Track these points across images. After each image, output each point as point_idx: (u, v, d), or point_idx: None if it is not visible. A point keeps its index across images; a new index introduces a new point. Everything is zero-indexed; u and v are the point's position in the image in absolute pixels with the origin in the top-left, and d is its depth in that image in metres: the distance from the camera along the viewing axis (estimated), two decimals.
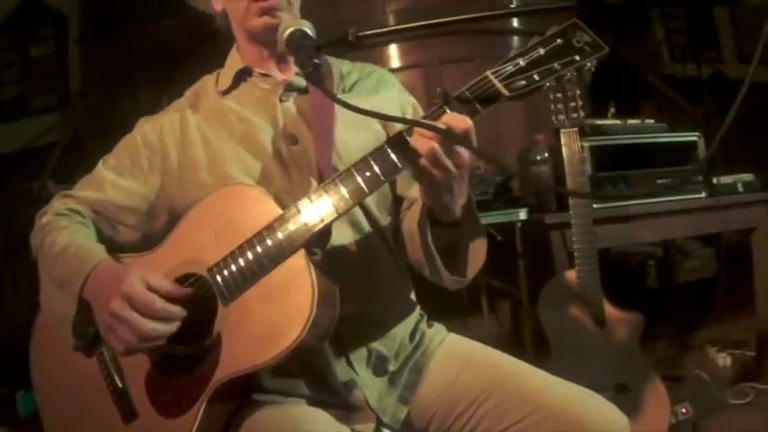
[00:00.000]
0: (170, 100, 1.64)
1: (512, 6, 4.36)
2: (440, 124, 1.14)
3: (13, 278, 5.67)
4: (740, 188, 3.15)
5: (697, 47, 7.48)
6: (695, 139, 3.15)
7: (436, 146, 1.14)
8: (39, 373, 1.53)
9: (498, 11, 1.25)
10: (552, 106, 2.46)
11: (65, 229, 1.44)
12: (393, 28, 1.32)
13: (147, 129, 1.55)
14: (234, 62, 1.58)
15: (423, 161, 1.16)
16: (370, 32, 1.18)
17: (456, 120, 1.14)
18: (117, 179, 1.52)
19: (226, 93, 1.55)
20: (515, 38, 4.41)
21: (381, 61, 4.32)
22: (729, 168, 3.24)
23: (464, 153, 1.18)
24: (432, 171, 1.17)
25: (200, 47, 5.86)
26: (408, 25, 1.24)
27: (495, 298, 3.59)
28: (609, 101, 3.54)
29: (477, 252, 1.40)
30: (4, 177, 6.22)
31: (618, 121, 3.15)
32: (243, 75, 1.55)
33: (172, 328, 1.25)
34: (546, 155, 2.91)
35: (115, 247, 1.45)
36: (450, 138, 1.13)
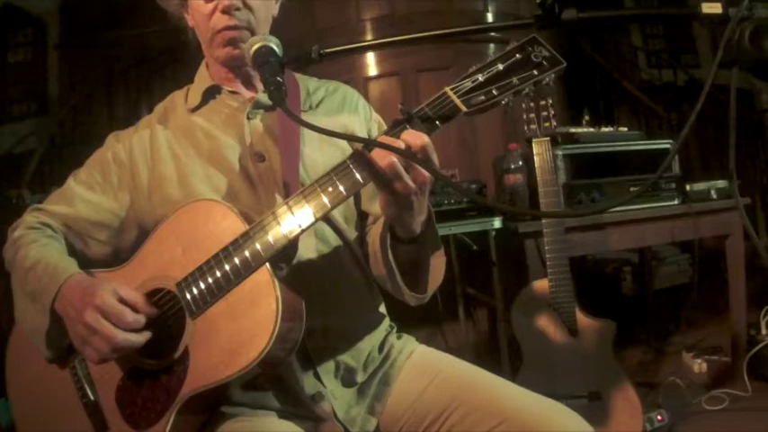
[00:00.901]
0: (148, 108, 1.65)
1: (487, 17, 4.42)
2: (399, 142, 1.15)
3: None
4: (714, 195, 3.16)
5: (674, 52, 7.56)
6: (668, 146, 3.16)
7: (395, 160, 1.16)
8: (14, 386, 1.54)
9: (471, 26, 1.25)
10: (525, 116, 2.49)
11: (35, 243, 1.45)
12: (358, 45, 1.29)
13: (117, 145, 1.56)
14: (203, 79, 1.59)
15: (383, 176, 1.18)
16: (332, 50, 1.19)
17: (414, 137, 1.17)
18: (87, 194, 1.52)
19: (195, 110, 1.56)
20: (491, 45, 4.45)
21: (358, 69, 4.35)
22: (707, 174, 3.27)
23: (423, 170, 1.19)
24: (392, 185, 1.19)
25: (179, 56, 5.88)
26: (375, 42, 1.25)
27: (471, 305, 3.60)
28: (584, 107, 3.59)
29: (437, 269, 1.42)
30: None
31: (592, 129, 3.18)
32: (212, 92, 1.57)
33: (143, 338, 1.27)
34: (520, 163, 2.94)
35: (86, 261, 1.47)
36: (407, 155, 1.15)
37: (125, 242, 1.53)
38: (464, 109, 1.22)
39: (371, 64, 4.38)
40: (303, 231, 1.23)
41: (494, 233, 2.94)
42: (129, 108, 6.58)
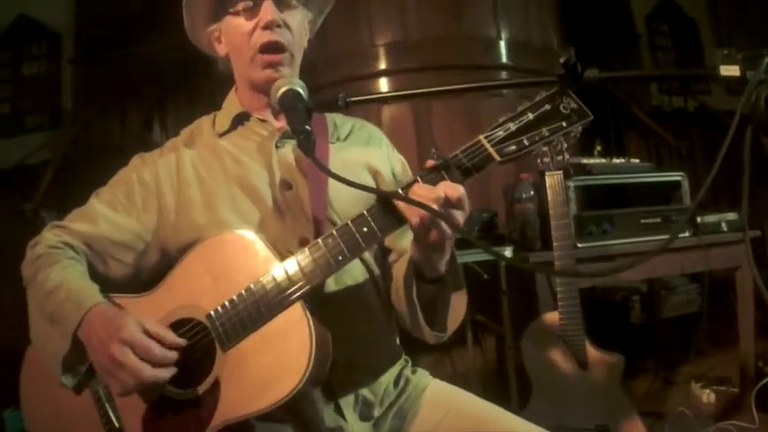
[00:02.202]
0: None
1: (500, 44, 4.45)
2: (439, 191, 1.19)
3: (0, 298, 5.65)
4: (724, 227, 3.19)
5: (685, 80, 7.60)
6: (679, 179, 3.20)
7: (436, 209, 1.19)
8: (29, 407, 1.54)
9: (486, 83, 1.29)
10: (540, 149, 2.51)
11: (57, 264, 1.44)
12: (384, 95, 1.36)
13: (143, 166, 1.57)
14: (232, 105, 1.62)
15: (418, 221, 1.22)
16: (359, 98, 1.23)
17: (452, 189, 1.20)
18: (110, 213, 1.52)
19: (223, 135, 1.59)
20: (503, 73, 4.50)
21: (369, 94, 4.36)
22: (715, 206, 3.29)
23: (459, 217, 1.22)
24: (429, 233, 1.23)
25: (193, 72, 5.93)
26: (402, 92, 1.28)
27: (479, 332, 3.62)
28: (595, 136, 3.62)
29: (458, 307, 1.45)
30: None
31: (603, 160, 3.21)
32: (241, 119, 1.59)
33: (169, 373, 1.28)
34: (531, 193, 2.97)
35: (106, 282, 1.47)
36: (435, 213, 1.18)
37: (147, 264, 1.53)
38: (498, 158, 1.26)
39: (383, 89, 4.39)
40: (337, 270, 1.28)
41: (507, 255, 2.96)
42: (141, 124, 6.62)
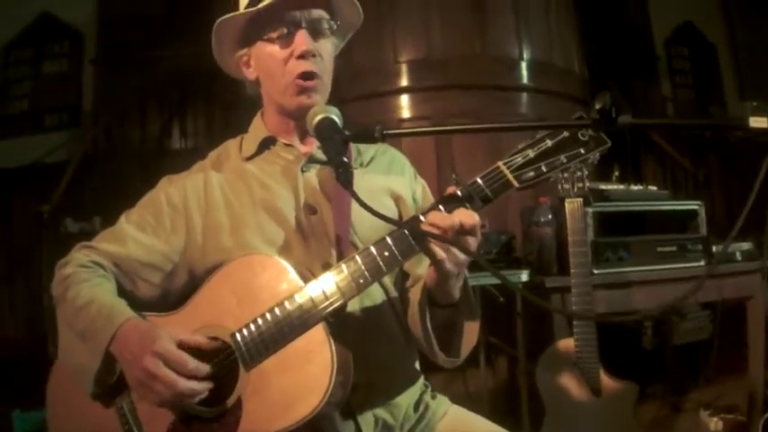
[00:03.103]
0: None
1: (521, 64, 4.47)
2: (455, 219, 1.23)
3: (11, 296, 5.70)
4: (738, 257, 3.19)
5: (702, 102, 7.62)
6: (696, 208, 3.20)
7: (449, 236, 1.23)
8: (55, 416, 1.57)
9: (532, 123, 1.33)
10: (559, 175, 2.53)
11: (87, 282, 1.47)
12: (421, 129, 1.38)
13: (171, 188, 1.60)
14: (258, 130, 1.65)
15: (436, 248, 1.26)
16: (394, 132, 1.25)
17: (467, 217, 1.24)
18: (139, 235, 1.55)
19: (249, 159, 1.62)
20: (524, 94, 4.51)
21: (392, 111, 4.41)
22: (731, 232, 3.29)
23: (472, 243, 1.26)
24: (444, 257, 1.27)
25: (214, 79, 5.98)
26: (439, 129, 1.31)
27: (492, 353, 3.64)
28: (613, 160, 3.63)
29: (471, 332, 1.48)
30: (9, 192, 6.23)
31: (621, 186, 3.23)
32: (267, 143, 1.63)
33: (205, 387, 1.32)
34: (549, 216, 2.99)
35: (134, 302, 1.50)
36: (458, 235, 1.24)
37: (174, 285, 1.56)
38: (516, 185, 1.29)
39: (405, 106, 4.44)
40: (359, 293, 1.32)
41: (520, 286, 2.98)
42: (161, 129, 6.66)
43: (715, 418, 3.46)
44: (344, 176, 1.24)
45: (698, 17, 7.92)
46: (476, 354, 3.51)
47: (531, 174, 1.30)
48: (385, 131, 1.24)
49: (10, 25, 6.91)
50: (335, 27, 1.60)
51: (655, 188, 3.32)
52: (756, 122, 1.02)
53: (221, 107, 6.25)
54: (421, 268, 1.56)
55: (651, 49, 7.86)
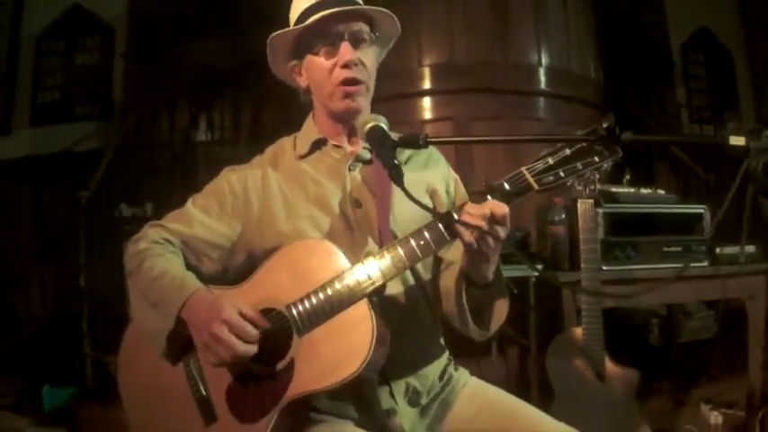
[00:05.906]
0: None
1: (540, 71, 4.65)
2: (486, 209, 1.44)
3: (42, 277, 5.89)
4: (742, 259, 3.35)
5: (717, 108, 7.67)
6: (701, 211, 3.37)
7: (483, 224, 1.44)
8: (127, 378, 1.79)
9: (546, 135, 1.53)
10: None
11: (161, 257, 1.68)
12: (458, 139, 1.58)
13: (233, 178, 1.81)
14: (311, 131, 1.86)
15: (469, 235, 1.46)
16: (437, 140, 1.46)
17: (498, 207, 1.45)
18: (204, 218, 1.76)
19: (302, 157, 1.83)
20: (541, 99, 4.69)
21: (415, 112, 4.59)
22: (735, 238, 3.44)
23: (501, 232, 1.47)
24: (477, 243, 1.47)
25: (242, 75, 6.15)
26: (469, 139, 1.52)
27: (504, 343, 3.83)
28: (625, 165, 3.79)
29: (501, 309, 1.70)
30: (40, 178, 6.42)
31: (632, 189, 3.39)
32: (318, 144, 1.83)
33: (255, 348, 1.52)
34: (563, 216, 3.18)
35: (199, 276, 1.71)
36: (490, 224, 1.44)
37: (234, 263, 1.77)
38: (536, 187, 1.50)
39: (427, 107, 4.61)
40: (398, 274, 1.54)
41: (534, 279, 3.18)
42: (189, 123, 6.79)
43: (715, 412, 3.58)
44: (397, 176, 1.44)
45: (715, 23, 7.94)
46: (489, 344, 3.69)
47: (551, 178, 1.50)
48: (428, 138, 1.46)
49: (42, 17, 7.05)
50: (375, 37, 1.79)
51: (663, 192, 3.49)
52: (735, 140, 1.22)
53: (249, 102, 6.42)
54: (450, 253, 1.76)
55: (668, 55, 7.91)
